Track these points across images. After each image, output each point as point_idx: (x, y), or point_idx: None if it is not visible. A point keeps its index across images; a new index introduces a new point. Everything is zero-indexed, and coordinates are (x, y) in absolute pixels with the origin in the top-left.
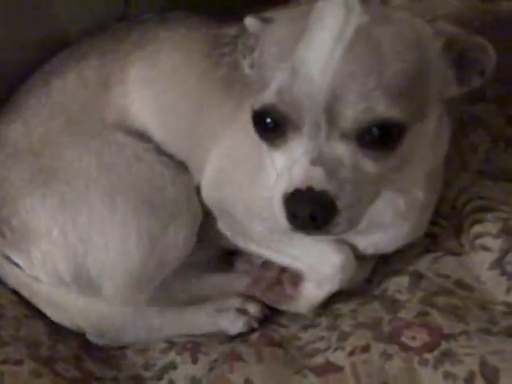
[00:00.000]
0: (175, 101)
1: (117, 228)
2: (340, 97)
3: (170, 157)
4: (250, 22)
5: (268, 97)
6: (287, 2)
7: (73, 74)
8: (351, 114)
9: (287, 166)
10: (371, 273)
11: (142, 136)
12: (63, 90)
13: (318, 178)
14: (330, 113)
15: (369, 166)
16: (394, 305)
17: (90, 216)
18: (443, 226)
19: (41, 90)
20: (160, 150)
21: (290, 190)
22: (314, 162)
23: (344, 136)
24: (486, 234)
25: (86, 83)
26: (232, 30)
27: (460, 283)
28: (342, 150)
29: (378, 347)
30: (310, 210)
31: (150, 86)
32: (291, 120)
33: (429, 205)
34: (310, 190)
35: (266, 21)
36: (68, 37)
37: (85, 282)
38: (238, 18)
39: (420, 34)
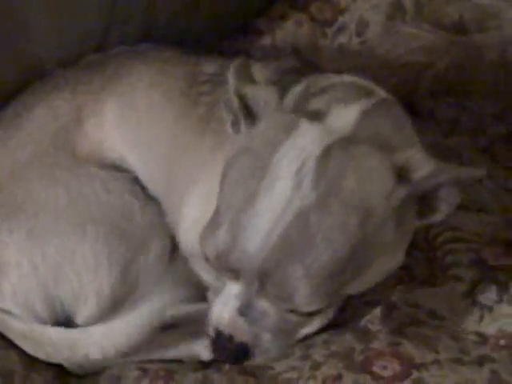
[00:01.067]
0: (151, 139)
1: (88, 256)
2: (270, 276)
3: (142, 187)
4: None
5: (211, 251)
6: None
7: (43, 104)
8: (276, 293)
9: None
10: (345, 303)
11: (117, 168)
12: (32, 121)
13: (240, 330)
14: (262, 282)
15: (295, 317)
16: (366, 335)
17: (59, 247)
18: (416, 258)
19: (11, 122)
20: (133, 180)
21: (217, 327)
22: (241, 310)
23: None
24: (459, 265)
25: (57, 114)
26: (210, 68)
27: (432, 313)
28: (269, 306)
29: (349, 377)
30: (230, 353)
31: (126, 121)
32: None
33: None
34: (231, 338)
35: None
36: (43, 68)
37: (58, 312)
38: (214, 52)
39: (372, 202)
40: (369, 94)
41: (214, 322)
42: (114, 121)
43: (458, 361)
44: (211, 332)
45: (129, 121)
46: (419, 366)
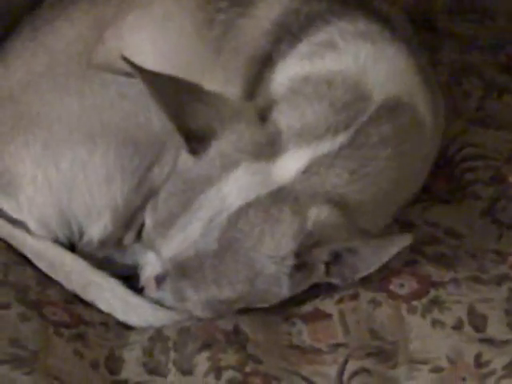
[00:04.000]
0: (169, 48)
1: (99, 170)
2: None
3: None
4: None
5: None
6: None
7: (61, 17)
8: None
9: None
10: None
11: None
12: (50, 32)
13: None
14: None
15: None
16: None
17: (72, 159)
18: (435, 175)
19: (27, 35)
20: None
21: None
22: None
23: None
24: (478, 182)
25: (74, 25)
26: None
27: (450, 231)
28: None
29: (366, 295)
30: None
31: (144, 32)
32: None
33: None
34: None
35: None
36: None
37: (72, 227)
38: None
39: (266, 264)
40: (347, 124)
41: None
42: (132, 30)
43: (477, 279)
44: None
45: (146, 30)
46: (437, 285)
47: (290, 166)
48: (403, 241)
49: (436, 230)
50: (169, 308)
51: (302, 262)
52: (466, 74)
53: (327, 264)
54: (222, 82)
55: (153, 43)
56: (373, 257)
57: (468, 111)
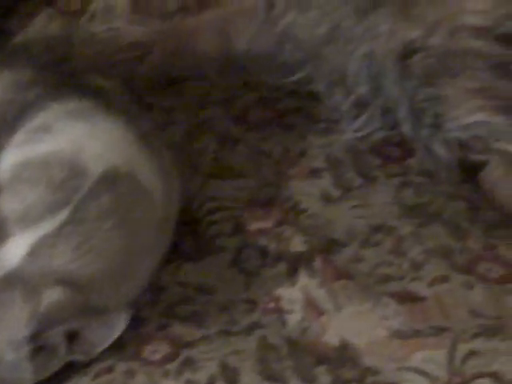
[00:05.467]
0: None
1: None
2: None
3: None
4: None
5: None
6: None
7: None
8: None
9: None
10: None
11: None
12: None
13: None
14: None
15: None
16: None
17: None
18: (183, 233)
19: None
20: None
21: None
22: None
23: None
24: (221, 234)
25: None
26: None
27: (201, 288)
28: None
29: (121, 366)
30: None
31: None
32: None
33: None
34: None
35: None
36: None
37: None
38: None
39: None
40: (66, 202)
41: None
42: None
43: (227, 332)
44: None
45: None
46: (189, 345)
47: (15, 250)
48: (126, 317)
49: (187, 289)
50: None
51: (40, 345)
52: (201, 129)
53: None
54: None
55: None
56: (105, 332)
57: (205, 166)
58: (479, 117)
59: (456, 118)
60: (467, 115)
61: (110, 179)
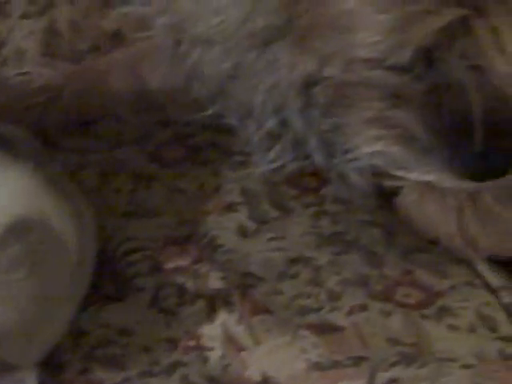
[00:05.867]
0: None
1: None
2: None
3: None
4: None
5: None
6: None
7: None
8: None
9: None
10: None
11: None
12: None
13: None
14: None
15: None
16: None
17: None
18: (103, 274)
19: None
20: None
21: None
22: None
23: None
24: (139, 275)
25: None
26: None
27: (121, 330)
28: None
29: None
30: None
31: None
32: None
33: None
34: None
35: None
36: None
37: None
38: None
39: None
40: None
41: None
42: None
43: (148, 373)
44: None
45: None
46: None
47: None
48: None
49: (108, 332)
50: None
51: None
52: (116, 169)
53: None
54: None
55: None
56: None
57: (120, 206)
58: (377, 146)
59: (357, 147)
60: (366, 145)
61: (19, 229)
